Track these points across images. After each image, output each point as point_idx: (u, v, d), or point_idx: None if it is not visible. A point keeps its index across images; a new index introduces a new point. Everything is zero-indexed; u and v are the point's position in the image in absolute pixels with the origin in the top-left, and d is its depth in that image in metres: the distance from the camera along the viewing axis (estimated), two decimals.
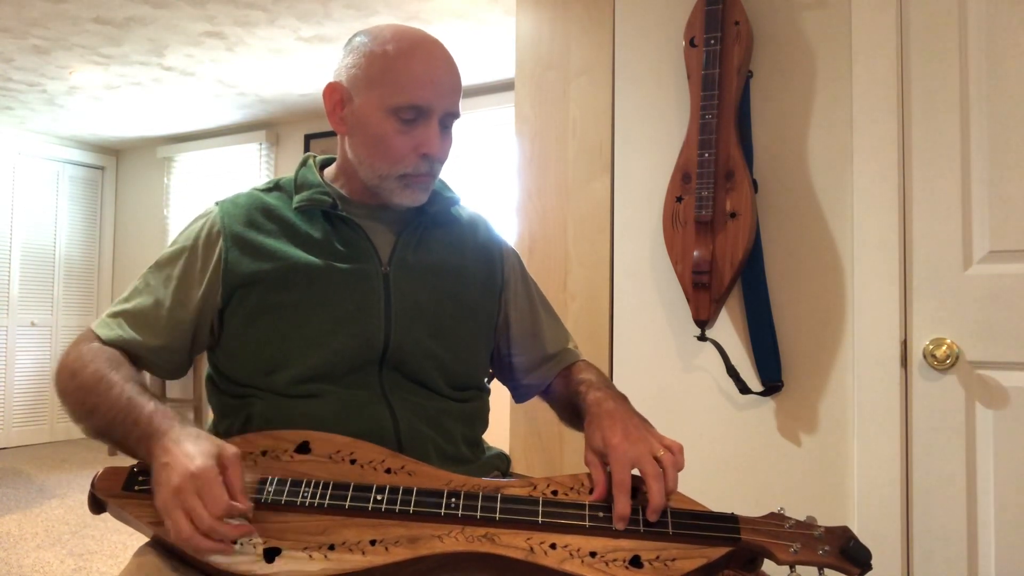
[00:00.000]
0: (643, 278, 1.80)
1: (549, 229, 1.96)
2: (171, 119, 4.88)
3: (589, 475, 0.92)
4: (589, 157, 1.91)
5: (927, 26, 1.51)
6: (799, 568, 0.84)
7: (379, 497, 0.87)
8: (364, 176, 1.05)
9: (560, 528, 0.86)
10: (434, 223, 1.12)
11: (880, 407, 1.51)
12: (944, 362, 1.46)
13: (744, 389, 1.63)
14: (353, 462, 0.91)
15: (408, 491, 0.88)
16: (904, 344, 1.52)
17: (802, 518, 0.88)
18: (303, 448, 0.92)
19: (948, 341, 1.46)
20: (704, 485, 1.68)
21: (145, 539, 0.92)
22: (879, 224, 1.53)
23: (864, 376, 1.53)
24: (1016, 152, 1.43)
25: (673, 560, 0.83)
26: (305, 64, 3.77)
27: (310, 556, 0.82)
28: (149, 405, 0.89)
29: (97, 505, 0.90)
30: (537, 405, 1.28)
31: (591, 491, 0.90)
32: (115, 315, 1.03)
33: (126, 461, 0.92)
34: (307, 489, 0.87)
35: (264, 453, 0.92)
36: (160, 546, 0.87)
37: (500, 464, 1.12)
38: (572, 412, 1.11)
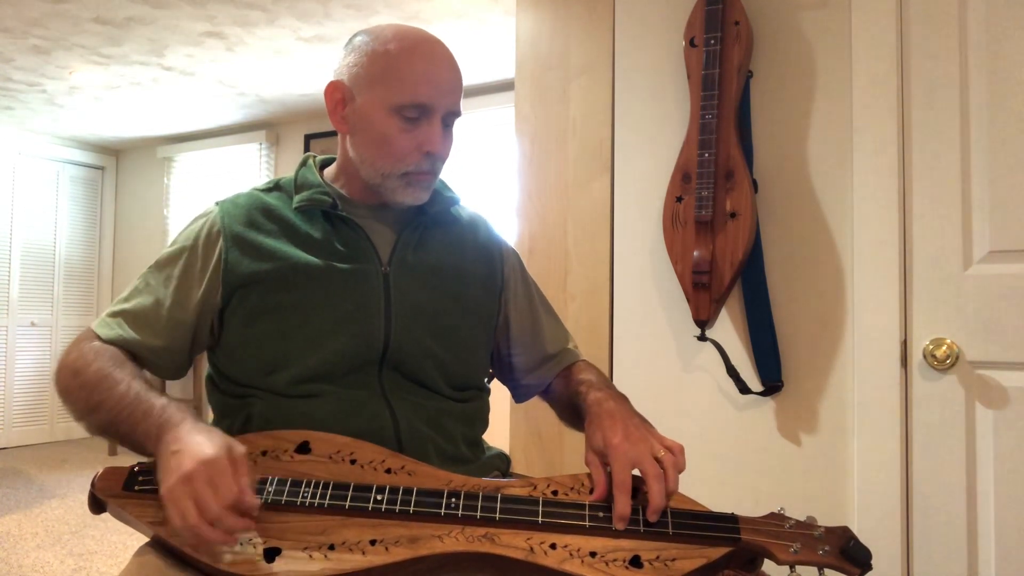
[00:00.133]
0: (643, 278, 1.80)
1: (549, 229, 1.96)
2: (171, 119, 4.88)
3: (589, 475, 0.92)
4: (589, 157, 1.91)
5: (927, 26, 1.51)
6: (799, 568, 0.84)
7: (379, 497, 0.87)
8: (366, 175, 1.05)
9: (560, 528, 0.86)
10: (434, 223, 1.12)
11: (880, 407, 1.51)
12: (944, 362, 1.46)
13: (744, 389, 1.63)
14: (353, 462, 0.91)
15: (408, 491, 0.88)
16: (904, 344, 1.52)
17: (802, 518, 0.88)
18: (303, 448, 0.92)
19: (948, 341, 1.46)
20: (704, 485, 1.68)
21: (145, 539, 0.92)
22: (879, 224, 1.53)
23: (864, 376, 1.53)
24: (1016, 152, 1.43)
25: (673, 560, 0.83)
26: (305, 64, 3.77)
27: (310, 556, 0.82)
28: (161, 400, 0.90)
29: (97, 505, 0.90)
30: (537, 405, 1.28)
31: (591, 491, 0.90)
32: (115, 315, 1.03)
33: (126, 461, 0.92)
34: (307, 489, 0.87)
35: (264, 453, 0.92)
36: (160, 546, 0.87)
37: (500, 464, 1.12)
38: (572, 412, 1.11)
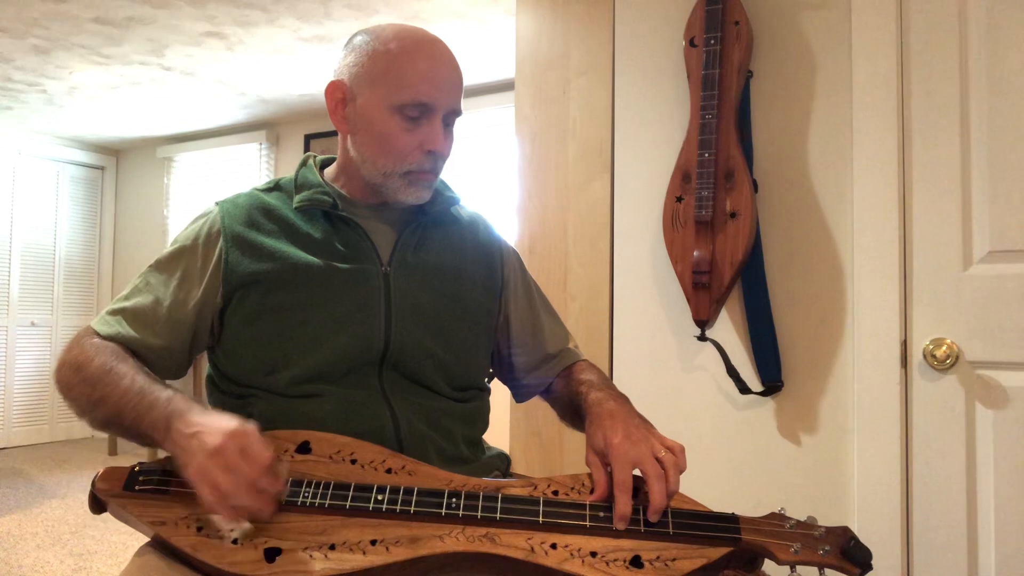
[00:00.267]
0: (643, 278, 1.80)
1: (549, 229, 1.96)
2: (171, 119, 4.88)
3: (590, 475, 0.92)
4: (589, 157, 1.91)
5: (927, 26, 1.51)
6: (799, 568, 0.84)
7: (380, 497, 0.87)
8: (367, 174, 1.05)
9: (561, 528, 0.86)
10: (434, 223, 1.13)
11: (880, 407, 1.51)
12: (944, 362, 1.46)
13: (744, 389, 1.63)
14: (354, 462, 0.91)
15: (409, 491, 0.88)
16: (904, 344, 1.52)
17: (803, 518, 0.88)
18: (304, 448, 0.92)
19: (948, 341, 1.46)
20: (704, 485, 1.68)
21: (145, 539, 0.92)
22: (879, 224, 1.53)
23: (864, 376, 1.53)
24: (1016, 152, 1.44)
25: (674, 560, 0.83)
26: (305, 64, 3.77)
27: (310, 556, 0.82)
28: (167, 391, 0.91)
29: (98, 505, 0.90)
30: (537, 405, 1.28)
31: (592, 491, 0.90)
32: (114, 313, 1.03)
33: (127, 461, 0.92)
34: (308, 489, 0.87)
35: None
36: (161, 546, 0.87)
37: (500, 464, 1.12)
38: (573, 412, 1.11)
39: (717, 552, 0.84)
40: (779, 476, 1.63)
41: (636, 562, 0.83)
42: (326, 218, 1.06)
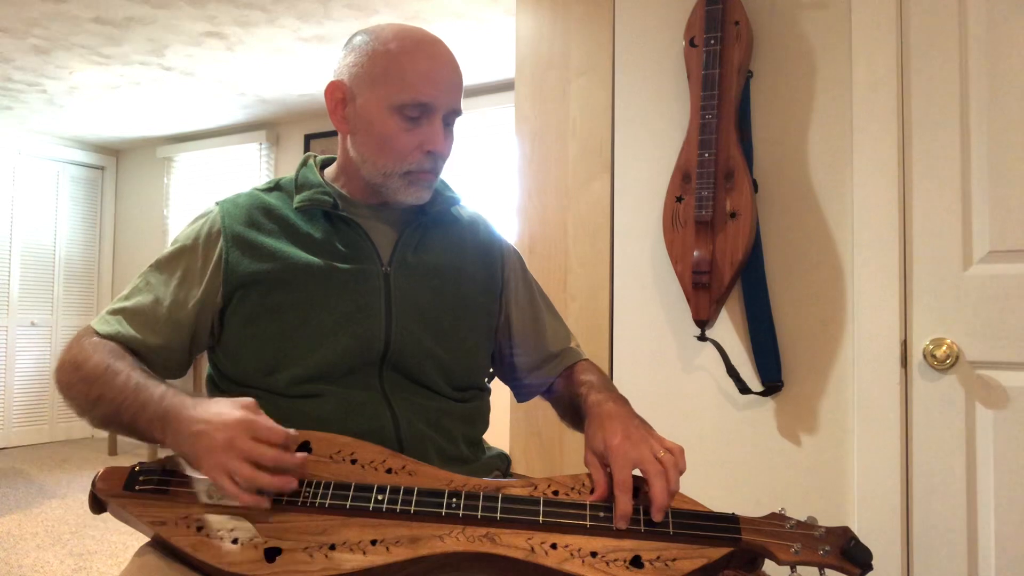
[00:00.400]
0: (643, 278, 1.80)
1: (549, 229, 1.96)
2: (171, 119, 4.88)
3: (590, 475, 0.92)
4: (589, 157, 1.91)
5: (927, 26, 1.51)
6: (800, 568, 0.84)
7: (380, 497, 0.87)
8: (367, 174, 1.05)
9: (561, 528, 0.86)
10: (435, 223, 1.13)
11: (880, 407, 1.51)
12: (944, 362, 1.46)
13: (744, 389, 1.63)
14: (354, 462, 0.91)
15: (409, 491, 0.88)
16: (904, 344, 1.52)
17: (803, 518, 0.88)
18: (304, 448, 0.92)
19: (948, 341, 1.46)
20: (704, 485, 1.68)
21: (145, 539, 0.92)
22: (879, 224, 1.53)
23: (864, 376, 1.53)
24: (1016, 152, 1.44)
25: (674, 560, 0.83)
26: (305, 64, 3.77)
27: (311, 556, 0.82)
28: (160, 387, 0.91)
29: (98, 505, 0.90)
30: (537, 405, 1.28)
31: (592, 491, 0.90)
32: (114, 312, 1.03)
33: (127, 461, 0.92)
34: (308, 489, 0.87)
35: None
36: (161, 546, 0.87)
37: (500, 464, 1.12)
38: (573, 413, 1.11)
39: (717, 552, 0.84)
40: (779, 476, 1.63)
41: (636, 562, 0.83)
42: (326, 218, 1.06)
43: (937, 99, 1.50)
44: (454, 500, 0.87)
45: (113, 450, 5.03)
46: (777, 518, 0.88)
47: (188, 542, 0.83)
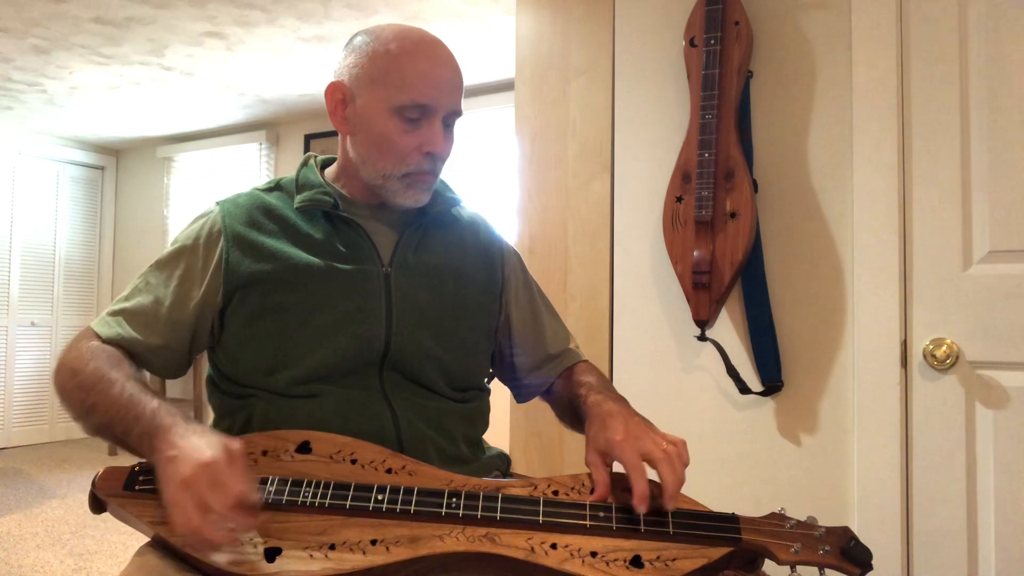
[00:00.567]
0: (643, 278, 1.80)
1: (549, 229, 1.96)
2: (171, 119, 4.88)
3: (590, 475, 0.92)
4: (589, 157, 1.91)
5: (927, 26, 1.51)
6: (800, 568, 0.84)
7: (380, 497, 0.87)
8: (366, 176, 1.05)
9: (561, 528, 0.86)
10: (435, 224, 1.13)
11: (880, 407, 1.51)
12: (944, 362, 1.46)
13: (744, 389, 1.63)
14: (354, 462, 0.91)
15: (409, 491, 0.88)
16: (904, 344, 1.52)
17: (803, 518, 0.88)
18: (304, 448, 0.92)
19: (948, 341, 1.46)
20: (704, 485, 1.68)
21: (145, 539, 0.92)
22: (879, 224, 1.53)
23: (864, 376, 1.53)
24: (1016, 152, 1.44)
25: (674, 560, 0.83)
26: (305, 64, 3.77)
27: (311, 556, 0.82)
28: (152, 402, 0.89)
29: (98, 505, 0.90)
30: (537, 405, 1.28)
31: (592, 491, 0.90)
32: (115, 313, 1.03)
33: (127, 461, 0.92)
34: (308, 489, 0.87)
35: (265, 453, 0.92)
36: (161, 546, 0.87)
37: (500, 464, 1.12)
38: (572, 414, 1.11)
39: (717, 552, 0.84)
40: (779, 476, 1.63)
41: (636, 562, 0.83)
42: (327, 218, 1.06)
43: (937, 99, 1.50)
44: (454, 500, 0.87)
45: (113, 450, 5.03)
46: (777, 518, 0.88)
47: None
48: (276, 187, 1.11)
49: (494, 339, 1.18)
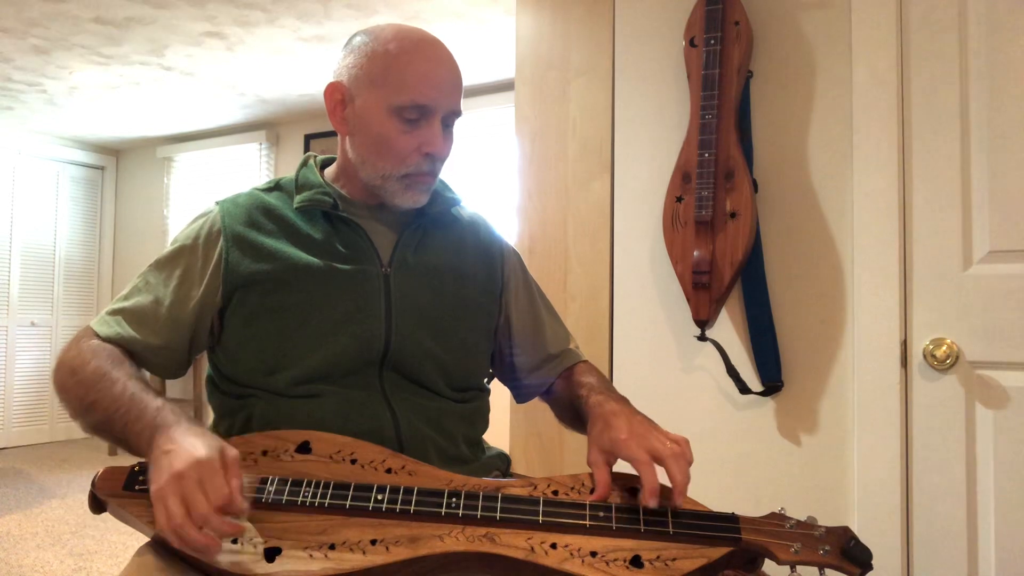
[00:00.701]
0: (643, 278, 1.80)
1: (549, 229, 1.96)
2: (171, 119, 4.88)
3: (590, 475, 0.92)
4: (589, 157, 1.91)
5: (927, 26, 1.51)
6: (800, 568, 0.84)
7: (380, 497, 0.87)
8: (365, 176, 1.05)
9: (561, 528, 0.86)
10: (435, 224, 1.12)
11: (880, 407, 1.51)
12: (944, 362, 1.46)
13: (744, 389, 1.63)
14: (354, 462, 0.91)
15: (409, 491, 0.88)
16: (904, 344, 1.52)
17: (803, 518, 0.88)
18: (304, 448, 0.92)
19: (948, 341, 1.46)
20: (704, 485, 1.67)
21: (145, 539, 0.92)
22: (879, 224, 1.53)
23: (864, 376, 1.53)
24: (1016, 152, 1.44)
25: (674, 560, 0.83)
26: (305, 64, 3.77)
27: (310, 556, 0.82)
28: (156, 401, 0.89)
29: (98, 505, 0.90)
30: (537, 405, 1.28)
31: (592, 491, 0.90)
32: (114, 312, 1.03)
33: (127, 461, 0.92)
34: (308, 489, 0.88)
35: (265, 453, 0.92)
36: (160, 546, 0.87)
37: (500, 464, 1.12)
38: (573, 414, 1.11)
39: (717, 552, 0.84)
40: (779, 476, 1.63)
41: (636, 562, 0.83)
42: (326, 219, 1.06)
43: (937, 99, 1.50)
44: (454, 500, 0.87)
45: (113, 450, 5.03)
46: (777, 518, 0.88)
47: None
48: (276, 187, 1.11)
49: (494, 339, 1.18)
